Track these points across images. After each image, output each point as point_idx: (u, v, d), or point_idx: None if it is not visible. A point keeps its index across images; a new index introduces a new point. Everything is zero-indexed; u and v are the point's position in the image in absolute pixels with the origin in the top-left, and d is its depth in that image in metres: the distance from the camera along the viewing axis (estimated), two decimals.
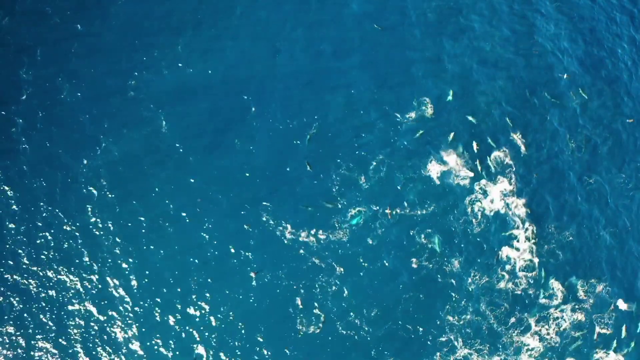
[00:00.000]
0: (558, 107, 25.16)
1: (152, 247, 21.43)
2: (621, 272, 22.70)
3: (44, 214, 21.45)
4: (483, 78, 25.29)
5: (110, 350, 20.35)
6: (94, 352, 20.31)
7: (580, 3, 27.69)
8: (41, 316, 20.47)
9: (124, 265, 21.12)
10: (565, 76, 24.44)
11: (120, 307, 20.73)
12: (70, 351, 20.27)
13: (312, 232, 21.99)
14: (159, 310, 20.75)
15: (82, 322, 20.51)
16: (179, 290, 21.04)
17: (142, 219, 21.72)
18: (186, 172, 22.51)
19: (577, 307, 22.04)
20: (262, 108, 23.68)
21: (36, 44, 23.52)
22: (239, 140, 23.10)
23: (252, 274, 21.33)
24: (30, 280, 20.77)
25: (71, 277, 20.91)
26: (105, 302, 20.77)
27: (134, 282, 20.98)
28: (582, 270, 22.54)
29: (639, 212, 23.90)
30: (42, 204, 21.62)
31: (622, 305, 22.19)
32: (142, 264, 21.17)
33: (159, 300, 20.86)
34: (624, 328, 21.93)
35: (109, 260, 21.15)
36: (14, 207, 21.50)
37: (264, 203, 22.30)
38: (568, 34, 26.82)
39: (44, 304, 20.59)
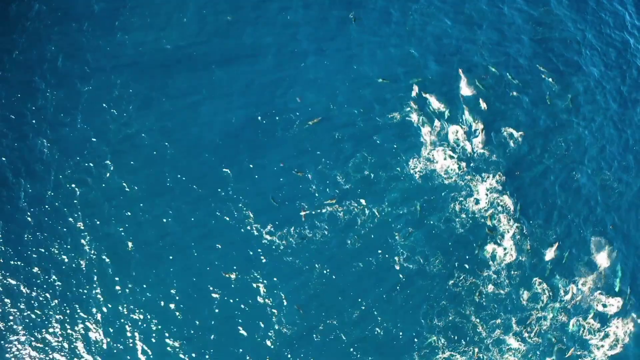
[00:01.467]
0: (550, 106, 24.90)
1: (149, 243, 21.51)
2: (607, 272, 22.48)
3: (46, 204, 21.63)
4: (473, 75, 24.92)
5: (100, 334, 20.58)
6: (86, 336, 20.53)
7: None
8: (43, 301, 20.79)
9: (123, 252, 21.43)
10: None
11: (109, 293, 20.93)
12: (69, 332, 20.50)
13: (292, 231, 21.66)
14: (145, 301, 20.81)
15: (77, 306, 20.76)
16: (161, 287, 20.92)
17: (141, 213, 21.72)
18: (188, 169, 22.49)
19: (560, 307, 21.81)
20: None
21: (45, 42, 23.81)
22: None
23: (227, 275, 21.06)
24: (33, 270, 20.87)
25: (72, 264, 20.99)
26: (102, 290, 20.99)
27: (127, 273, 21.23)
28: (566, 270, 22.30)
29: (626, 212, 23.69)
30: (49, 191, 21.70)
31: (606, 305, 21.98)
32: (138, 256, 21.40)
33: (147, 293, 20.89)
34: (607, 328, 21.74)
35: (109, 252, 21.29)
36: (19, 198, 21.60)
37: (244, 201, 22.01)
38: (569, 28, 26.55)
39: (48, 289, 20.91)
